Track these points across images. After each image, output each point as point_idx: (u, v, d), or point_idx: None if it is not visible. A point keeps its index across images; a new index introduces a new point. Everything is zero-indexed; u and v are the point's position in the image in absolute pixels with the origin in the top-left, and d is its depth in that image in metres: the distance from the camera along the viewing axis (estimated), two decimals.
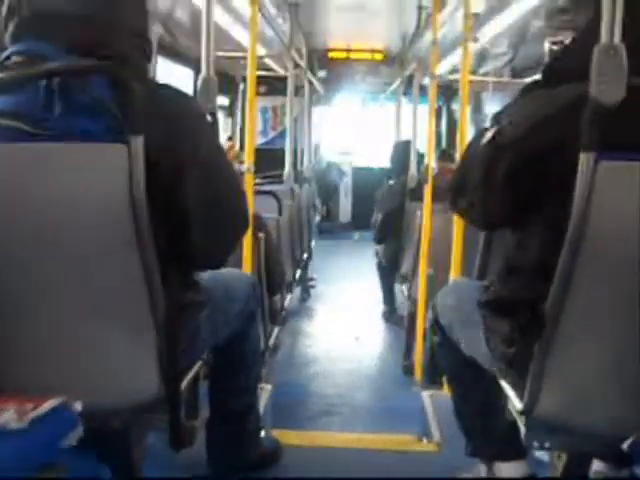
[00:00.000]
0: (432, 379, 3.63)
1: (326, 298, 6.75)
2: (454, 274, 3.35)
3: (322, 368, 4.77)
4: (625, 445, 1.51)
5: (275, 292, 4.06)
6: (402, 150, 5.86)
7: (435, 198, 3.98)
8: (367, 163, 10.97)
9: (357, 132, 11.24)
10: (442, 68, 6.05)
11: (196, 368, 1.91)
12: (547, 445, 1.78)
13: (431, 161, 4.14)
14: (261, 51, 5.39)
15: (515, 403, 1.81)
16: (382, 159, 8.17)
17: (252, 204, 3.12)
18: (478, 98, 7.38)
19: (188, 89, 3.84)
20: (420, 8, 5.81)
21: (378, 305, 6.06)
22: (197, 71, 5.22)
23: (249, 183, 3.10)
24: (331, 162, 11.01)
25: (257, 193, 3.61)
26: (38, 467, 1.10)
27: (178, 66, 5.46)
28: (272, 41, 5.77)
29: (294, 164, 6.42)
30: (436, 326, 2.26)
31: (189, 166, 1.62)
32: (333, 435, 3.39)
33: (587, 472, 1.90)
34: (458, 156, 3.55)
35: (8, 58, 1.61)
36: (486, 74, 5.97)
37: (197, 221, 1.66)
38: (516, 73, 5.96)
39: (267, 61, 6.51)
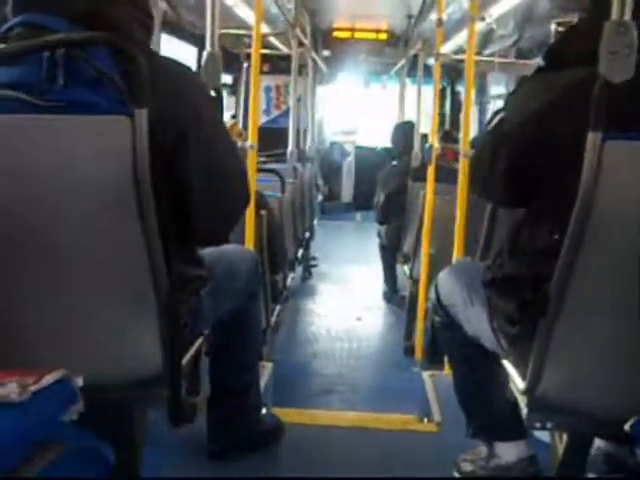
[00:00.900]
0: (433, 359, 3.64)
1: (328, 277, 6.76)
2: (457, 254, 3.34)
3: (323, 347, 4.78)
4: (627, 426, 1.51)
5: (277, 270, 4.05)
6: (403, 131, 5.86)
7: (437, 178, 3.98)
8: (370, 143, 10.91)
9: (360, 112, 11.19)
10: (447, 49, 6.01)
11: (197, 344, 1.90)
12: (549, 425, 1.77)
13: (435, 142, 4.13)
14: (265, 29, 5.35)
15: (517, 383, 1.81)
16: (385, 139, 8.14)
17: (254, 182, 3.10)
18: (483, 79, 7.34)
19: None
20: None
21: (380, 285, 6.06)
22: (201, 48, 5.19)
23: (252, 160, 3.09)
24: (334, 142, 10.96)
25: (260, 171, 3.59)
26: (37, 444, 1.09)
27: (181, 44, 5.43)
28: (276, 19, 5.73)
29: (297, 143, 6.40)
30: (438, 306, 2.26)
31: (191, 137, 1.61)
32: (334, 413, 3.38)
33: (588, 452, 1.90)
34: (461, 136, 3.54)
35: (10, 30, 1.59)
36: (492, 55, 5.91)
37: (199, 193, 1.65)
38: (522, 54, 5.91)
39: (271, 39, 6.47)
